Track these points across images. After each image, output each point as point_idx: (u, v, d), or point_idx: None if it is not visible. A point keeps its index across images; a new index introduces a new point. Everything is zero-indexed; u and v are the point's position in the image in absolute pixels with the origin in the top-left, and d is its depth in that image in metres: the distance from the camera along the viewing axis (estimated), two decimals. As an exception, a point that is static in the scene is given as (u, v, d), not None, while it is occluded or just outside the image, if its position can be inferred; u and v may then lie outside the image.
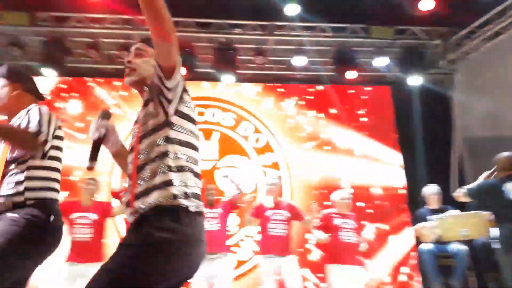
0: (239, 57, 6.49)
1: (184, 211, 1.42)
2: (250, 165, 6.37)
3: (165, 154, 1.47)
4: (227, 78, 6.44)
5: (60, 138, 2.09)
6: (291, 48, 6.56)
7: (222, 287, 4.12)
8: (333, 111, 6.78)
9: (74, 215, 4.11)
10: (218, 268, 4.12)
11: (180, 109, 1.55)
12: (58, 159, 2.07)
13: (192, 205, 1.45)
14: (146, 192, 1.44)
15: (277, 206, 4.46)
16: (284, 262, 4.23)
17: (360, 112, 6.84)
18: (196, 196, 1.49)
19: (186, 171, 1.49)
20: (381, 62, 6.52)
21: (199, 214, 1.48)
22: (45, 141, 1.94)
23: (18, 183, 1.90)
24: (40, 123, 1.93)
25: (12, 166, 1.94)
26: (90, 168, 1.67)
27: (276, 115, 6.69)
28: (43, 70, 6.04)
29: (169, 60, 1.50)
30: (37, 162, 1.95)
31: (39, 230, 1.87)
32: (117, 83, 6.56)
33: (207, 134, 6.42)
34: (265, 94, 6.81)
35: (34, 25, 6.04)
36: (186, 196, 1.45)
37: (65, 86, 6.52)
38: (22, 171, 1.92)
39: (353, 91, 6.93)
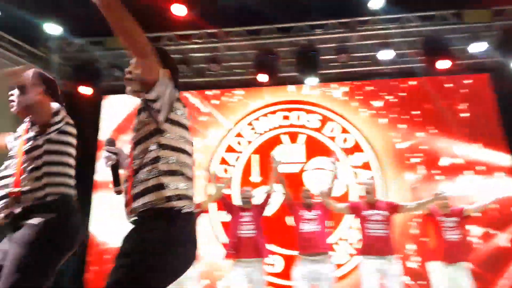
0: (323, 57, 6.45)
1: (177, 212, 1.53)
2: (339, 166, 6.24)
3: (157, 159, 1.58)
4: (311, 80, 6.43)
5: (71, 134, 2.16)
6: (376, 42, 6.35)
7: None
8: (428, 106, 6.37)
9: None
10: (322, 269, 4.12)
11: (171, 116, 1.64)
12: (71, 155, 2.14)
13: (183, 206, 1.55)
14: (142, 194, 1.56)
15: (375, 206, 4.35)
16: (386, 263, 4.11)
17: (461, 107, 6.32)
18: (188, 198, 1.59)
19: (178, 175, 1.59)
20: (477, 48, 6.00)
21: (191, 214, 1.58)
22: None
23: (37, 178, 1.96)
24: None
25: (28, 161, 1.98)
26: (118, 192, 1.82)
27: (365, 114, 6.49)
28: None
29: (151, 74, 1.60)
30: (53, 158, 2.03)
31: (61, 229, 1.91)
32: (208, 92, 6.92)
33: (293, 137, 6.47)
34: (353, 93, 6.64)
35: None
36: (179, 198, 1.55)
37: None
38: (39, 167, 1.98)
39: (450, 84, 6.43)
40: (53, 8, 5.11)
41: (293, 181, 5.74)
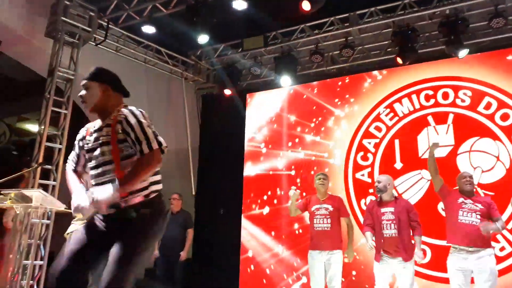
0: (472, 25, 5.72)
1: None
2: (500, 148, 5.46)
3: None
4: (462, 53, 5.69)
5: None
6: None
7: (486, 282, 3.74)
8: None
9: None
10: (480, 263, 3.74)
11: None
12: None
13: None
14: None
15: None
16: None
17: None
18: None
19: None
20: None
21: None
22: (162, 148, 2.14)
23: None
24: (146, 134, 2.09)
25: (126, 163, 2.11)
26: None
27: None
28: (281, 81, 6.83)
29: None
30: None
31: (159, 220, 2.16)
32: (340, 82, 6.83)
33: (440, 118, 5.88)
34: (510, 61, 5.69)
35: (267, 45, 6.93)
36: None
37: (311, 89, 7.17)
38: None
39: None
40: (194, 18, 5.66)
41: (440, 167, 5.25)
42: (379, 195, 4.24)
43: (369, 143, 6.30)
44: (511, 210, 5.19)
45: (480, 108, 5.69)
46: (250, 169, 7.17)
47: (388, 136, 6.19)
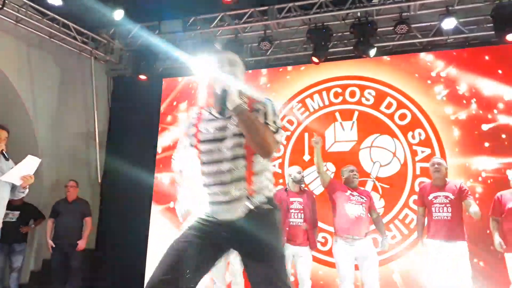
0: (380, 29, 6.12)
1: None
2: (397, 145, 5.95)
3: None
4: (371, 51, 6.03)
5: None
6: (437, 11, 5.88)
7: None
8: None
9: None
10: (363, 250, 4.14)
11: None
12: None
13: None
14: None
15: (443, 188, 4.18)
16: None
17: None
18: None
19: None
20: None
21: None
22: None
23: (267, 178, 1.93)
24: (279, 120, 1.87)
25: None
26: None
27: (424, 87, 6.05)
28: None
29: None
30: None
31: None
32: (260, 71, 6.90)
33: (346, 114, 6.24)
34: (411, 65, 6.20)
35: (185, 29, 6.77)
36: None
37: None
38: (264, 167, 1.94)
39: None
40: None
41: (344, 160, 5.59)
42: (297, 185, 4.50)
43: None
44: (403, 201, 5.70)
45: (382, 108, 6.15)
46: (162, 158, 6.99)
47: (299, 129, 6.43)
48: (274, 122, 1.82)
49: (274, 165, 6.36)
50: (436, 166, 4.27)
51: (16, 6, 5.90)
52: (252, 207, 1.81)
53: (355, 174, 4.42)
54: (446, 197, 4.14)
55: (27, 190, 3.67)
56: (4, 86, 6.00)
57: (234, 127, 1.82)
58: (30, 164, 3.53)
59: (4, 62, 5.92)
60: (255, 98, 1.87)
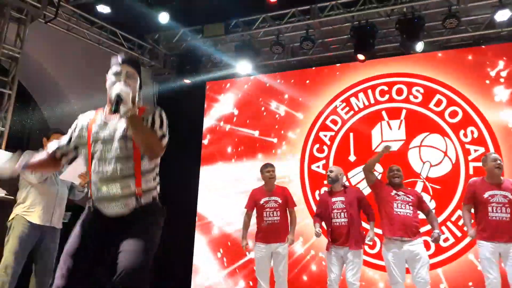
0: (427, 24, 5.91)
1: None
2: (448, 144, 5.71)
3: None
4: (418, 45, 5.84)
5: None
6: (489, 3, 5.62)
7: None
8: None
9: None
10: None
11: None
12: None
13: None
14: None
15: (499, 187, 3.93)
16: None
17: None
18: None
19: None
20: None
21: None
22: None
23: (154, 178, 2.09)
24: (165, 127, 2.06)
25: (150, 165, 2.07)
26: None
27: (478, 83, 5.77)
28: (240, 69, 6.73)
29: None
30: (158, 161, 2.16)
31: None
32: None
33: (393, 113, 6.06)
34: (463, 60, 5.94)
35: (228, 32, 6.82)
36: None
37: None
38: (154, 168, 2.11)
39: None
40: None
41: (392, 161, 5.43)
42: (331, 185, 4.35)
43: (325, 135, 6.40)
44: (456, 203, 5.47)
45: (431, 105, 5.93)
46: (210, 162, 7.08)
47: (344, 129, 6.31)
48: (161, 129, 2.04)
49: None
50: (498, 161, 4.02)
51: (67, 15, 6.17)
52: (137, 205, 1.98)
53: (395, 173, 4.23)
54: (505, 196, 3.90)
55: (86, 189, 3.53)
56: (57, 93, 6.29)
57: (124, 130, 2.01)
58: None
59: (56, 70, 6.19)
60: (145, 108, 2.10)
